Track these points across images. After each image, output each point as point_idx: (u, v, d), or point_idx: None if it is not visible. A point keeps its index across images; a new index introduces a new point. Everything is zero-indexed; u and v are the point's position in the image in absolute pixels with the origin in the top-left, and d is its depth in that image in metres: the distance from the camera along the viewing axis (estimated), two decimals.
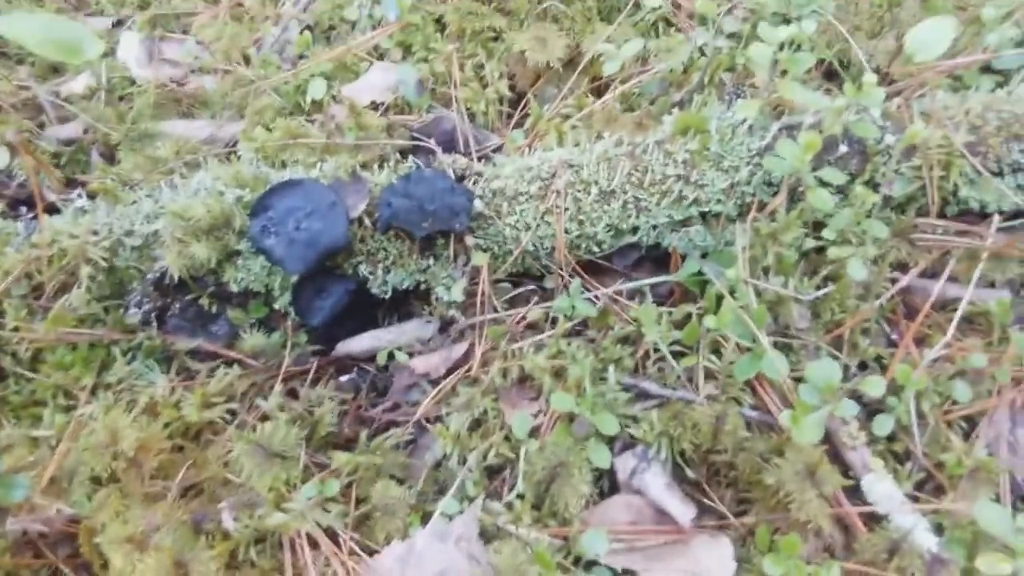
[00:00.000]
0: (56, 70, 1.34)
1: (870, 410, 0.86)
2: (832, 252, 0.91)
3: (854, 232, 0.93)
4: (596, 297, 0.98)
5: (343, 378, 1.01)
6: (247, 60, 1.30)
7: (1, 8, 1.42)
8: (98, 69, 1.26)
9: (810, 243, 0.94)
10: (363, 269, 0.99)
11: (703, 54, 1.14)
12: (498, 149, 1.17)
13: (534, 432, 0.88)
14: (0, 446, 0.89)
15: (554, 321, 0.98)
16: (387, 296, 1.01)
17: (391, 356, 0.99)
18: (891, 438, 0.85)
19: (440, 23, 1.25)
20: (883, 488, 0.79)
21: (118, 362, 0.94)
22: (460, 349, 0.98)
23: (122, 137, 1.14)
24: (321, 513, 0.81)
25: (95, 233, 0.95)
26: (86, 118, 1.16)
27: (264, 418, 0.91)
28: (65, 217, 0.98)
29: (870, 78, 0.87)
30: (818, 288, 0.90)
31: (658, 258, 1.06)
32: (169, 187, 0.99)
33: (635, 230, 0.99)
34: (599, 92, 1.19)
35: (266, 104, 1.17)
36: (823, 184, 0.91)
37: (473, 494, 0.85)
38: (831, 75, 1.22)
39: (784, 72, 0.97)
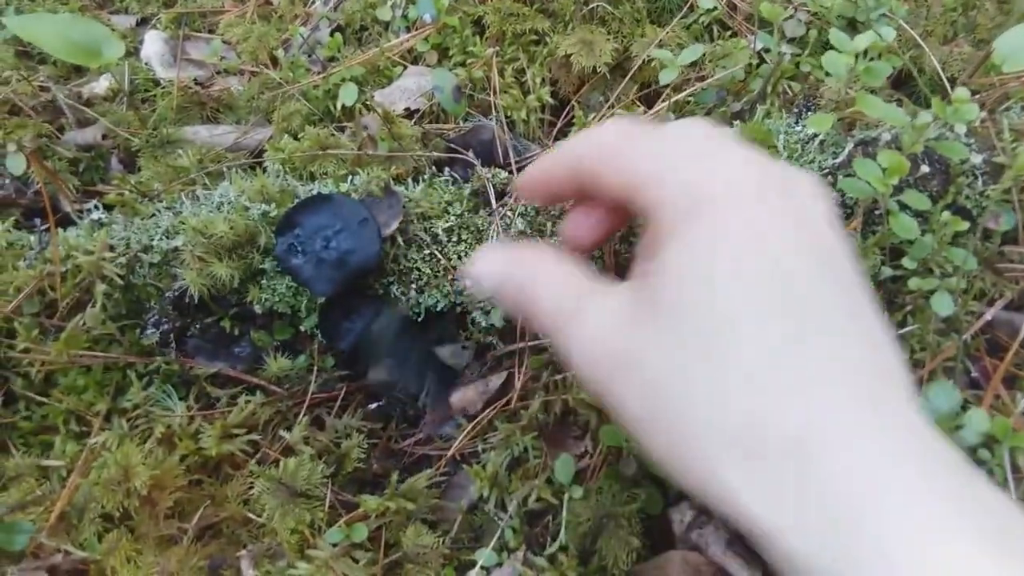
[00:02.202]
0: (79, 70, 1.29)
1: None
2: (913, 283, 0.82)
3: (936, 261, 0.84)
4: None
5: (371, 406, 0.94)
6: (275, 61, 1.24)
7: (23, 7, 1.37)
8: (120, 70, 1.20)
9: (887, 271, 0.85)
10: (395, 290, 0.93)
11: (763, 61, 1.06)
12: None
13: (579, 475, 0.81)
14: (8, 476, 0.83)
15: None
16: (420, 319, 0.94)
17: None
18: None
19: (479, 25, 1.18)
20: None
21: (134, 387, 0.88)
22: (498, 380, 0.90)
23: (143, 143, 1.08)
24: (348, 563, 0.74)
25: (111, 248, 0.89)
26: (105, 123, 1.10)
27: (287, 451, 0.84)
28: (80, 231, 0.92)
29: (962, 93, 0.78)
30: (900, 324, 0.81)
31: None
32: (190, 200, 0.93)
33: None
34: (649, 100, 1.11)
35: (294, 110, 1.10)
36: (903, 207, 0.83)
37: (513, 545, 0.77)
38: (899, 83, 1.13)
39: (859, 82, 0.89)
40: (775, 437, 0.36)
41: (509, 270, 0.48)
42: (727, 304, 0.38)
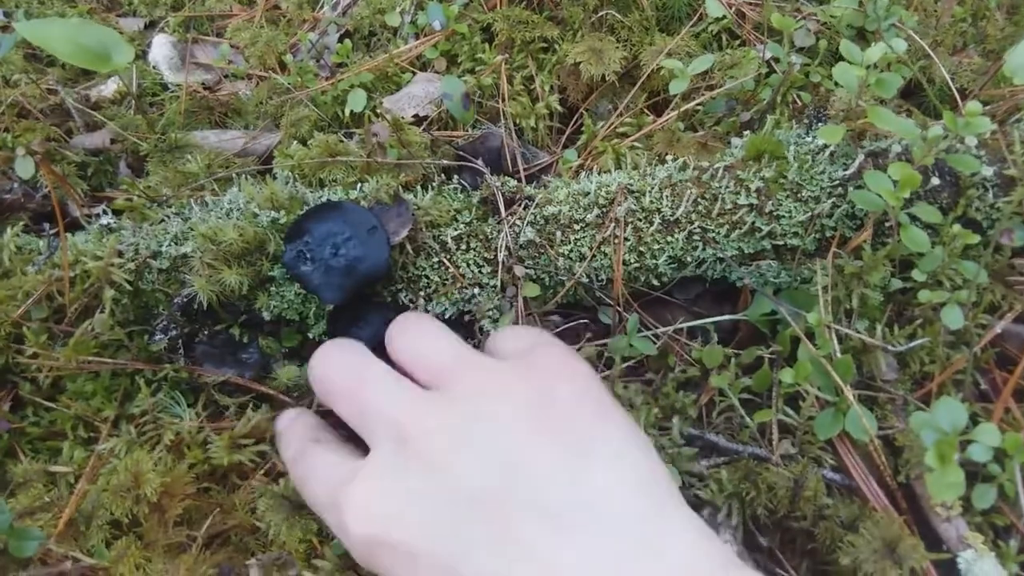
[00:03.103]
0: (87, 73, 1.29)
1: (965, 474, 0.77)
2: (923, 295, 0.82)
3: (946, 274, 0.84)
4: (656, 335, 0.91)
5: None
6: (283, 66, 1.24)
7: (32, 9, 1.37)
8: (129, 73, 1.20)
9: (896, 283, 0.85)
10: (403, 297, 0.92)
11: (772, 70, 1.06)
12: (548, 168, 1.09)
13: None
14: (17, 482, 0.83)
15: (608, 359, 0.91)
16: None
17: None
18: (989, 510, 0.76)
19: (488, 32, 1.18)
20: (985, 567, 0.71)
21: (142, 393, 0.87)
22: None
23: (151, 148, 1.08)
24: None
25: (120, 254, 0.89)
26: (114, 127, 1.10)
27: None
28: (89, 236, 0.92)
29: (974, 105, 0.78)
30: (910, 337, 0.81)
31: (720, 292, 0.98)
32: (199, 206, 0.93)
33: (700, 263, 0.90)
34: (658, 109, 1.11)
35: (303, 115, 1.10)
36: (913, 219, 0.83)
37: None
38: (908, 94, 1.13)
39: (869, 94, 0.89)
40: None
41: None
42: None
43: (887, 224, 0.86)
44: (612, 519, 0.45)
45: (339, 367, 0.60)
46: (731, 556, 0.46)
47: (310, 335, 0.94)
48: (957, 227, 0.82)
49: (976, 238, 0.81)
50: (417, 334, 0.61)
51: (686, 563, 0.43)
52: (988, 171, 0.85)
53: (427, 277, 0.91)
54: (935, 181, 0.86)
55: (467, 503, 0.46)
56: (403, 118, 1.06)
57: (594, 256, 0.89)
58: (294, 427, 0.62)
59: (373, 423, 0.55)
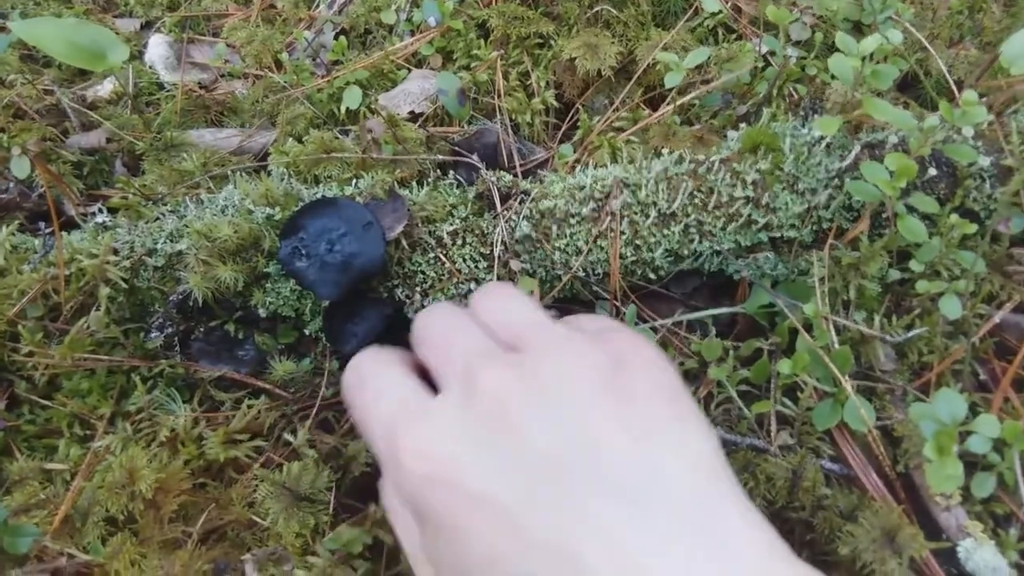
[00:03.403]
0: (83, 73, 1.29)
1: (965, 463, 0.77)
2: (920, 286, 0.81)
3: (944, 264, 0.84)
4: (655, 328, 0.90)
5: None
6: (279, 65, 1.24)
7: (28, 10, 1.37)
8: (125, 73, 1.20)
9: (894, 274, 0.85)
10: (399, 293, 0.92)
11: (768, 64, 1.06)
12: (544, 163, 1.09)
13: None
14: (12, 480, 0.83)
15: None
16: None
17: None
18: (989, 499, 0.76)
19: (483, 28, 1.18)
20: (984, 556, 0.70)
21: (138, 390, 0.87)
22: None
23: (147, 147, 1.08)
24: (346, 571, 0.73)
25: (115, 252, 0.89)
26: (110, 126, 1.10)
27: (292, 455, 0.84)
28: (84, 234, 0.92)
29: (970, 95, 0.78)
30: (908, 327, 0.81)
31: (717, 285, 0.97)
32: (194, 203, 0.93)
33: (697, 256, 0.90)
34: (654, 103, 1.11)
35: (299, 113, 1.10)
36: (911, 210, 0.82)
37: None
38: (905, 86, 1.13)
39: (865, 86, 0.89)
40: None
41: None
42: None
43: (884, 215, 0.85)
44: (684, 505, 0.43)
45: (442, 317, 0.59)
46: (789, 551, 0.45)
47: (306, 331, 0.93)
48: (954, 217, 0.81)
49: (974, 228, 0.80)
50: (503, 297, 0.60)
51: (757, 560, 0.42)
52: (985, 161, 0.85)
53: (423, 273, 0.91)
54: (932, 171, 0.85)
55: (534, 462, 0.45)
56: (399, 115, 1.06)
57: (590, 250, 0.89)
58: (376, 354, 0.60)
59: (452, 367, 0.53)
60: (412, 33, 1.22)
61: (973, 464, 0.76)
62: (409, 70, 1.17)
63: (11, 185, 1.03)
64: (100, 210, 0.95)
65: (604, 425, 0.46)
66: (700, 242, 0.88)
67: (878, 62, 0.90)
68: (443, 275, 0.91)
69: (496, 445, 0.46)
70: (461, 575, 0.45)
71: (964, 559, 0.72)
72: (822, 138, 0.87)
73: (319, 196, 0.92)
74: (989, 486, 0.73)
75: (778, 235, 0.88)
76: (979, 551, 0.71)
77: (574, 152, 1.05)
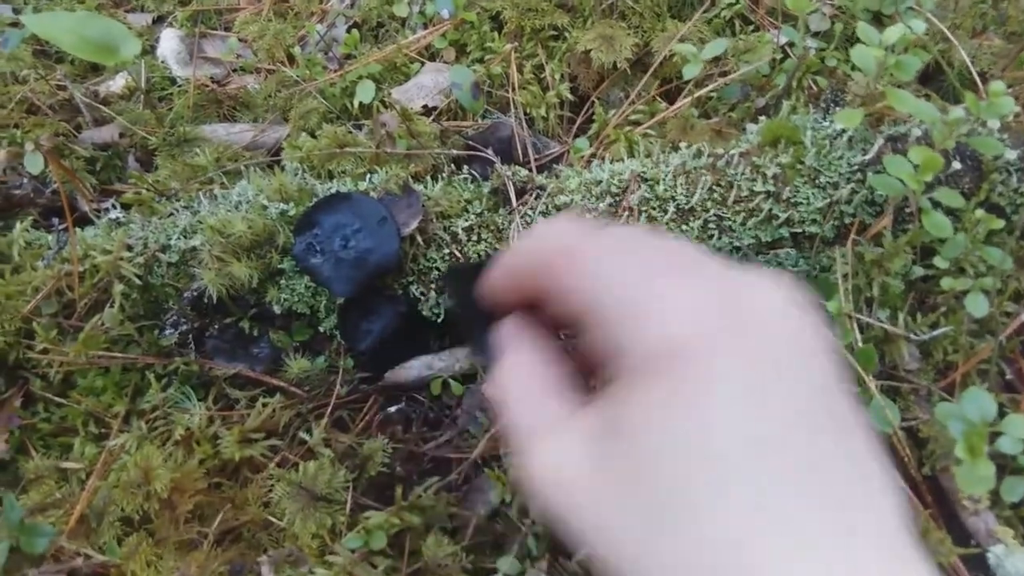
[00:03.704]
0: (95, 69, 1.28)
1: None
2: (945, 283, 0.80)
3: (969, 260, 0.82)
4: None
5: (391, 408, 0.93)
6: (291, 59, 1.23)
7: (41, 5, 1.37)
8: (137, 68, 1.19)
9: (918, 271, 0.83)
10: (414, 289, 0.91)
11: (787, 55, 1.04)
12: (559, 158, 1.08)
13: None
14: (28, 478, 0.83)
15: None
16: (439, 320, 0.92)
17: (445, 385, 0.91)
18: (1019, 503, 0.74)
19: (497, 21, 1.16)
20: (1016, 563, 0.69)
21: (152, 388, 0.87)
22: None
23: (160, 142, 1.07)
24: (367, 569, 0.73)
25: (129, 248, 0.88)
26: (122, 121, 1.10)
27: (308, 454, 0.83)
28: (98, 230, 0.91)
29: (997, 86, 0.76)
30: (933, 326, 0.79)
31: None
32: (208, 199, 0.92)
33: (716, 252, 0.89)
34: (671, 96, 1.09)
35: (311, 107, 1.09)
36: (935, 204, 0.81)
37: (537, 552, 0.76)
38: (927, 78, 1.11)
39: (887, 78, 0.87)
40: None
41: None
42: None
43: (907, 210, 0.84)
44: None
45: None
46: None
47: (321, 328, 0.93)
48: (980, 212, 0.79)
49: (1000, 223, 0.78)
50: None
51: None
52: (1012, 154, 0.83)
53: (438, 269, 0.90)
54: (956, 165, 0.83)
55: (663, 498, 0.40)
56: (412, 108, 1.05)
57: None
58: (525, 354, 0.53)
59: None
60: (425, 26, 1.20)
61: (1002, 468, 0.74)
62: (422, 63, 1.15)
63: (25, 181, 1.03)
64: (113, 206, 0.94)
65: None
66: (720, 238, 0.87)
67: (900, 53, 0.88)
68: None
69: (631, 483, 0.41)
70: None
71: (995, 565, 0.70)
72: (844, 131, 0.86)
73: (333, 191, 0.91)
74: (1020, 490, 0.71)
75: (799, 230, 0.86)
76: (1011, 558, 0.70)
77: (590, 146, 1.03)
